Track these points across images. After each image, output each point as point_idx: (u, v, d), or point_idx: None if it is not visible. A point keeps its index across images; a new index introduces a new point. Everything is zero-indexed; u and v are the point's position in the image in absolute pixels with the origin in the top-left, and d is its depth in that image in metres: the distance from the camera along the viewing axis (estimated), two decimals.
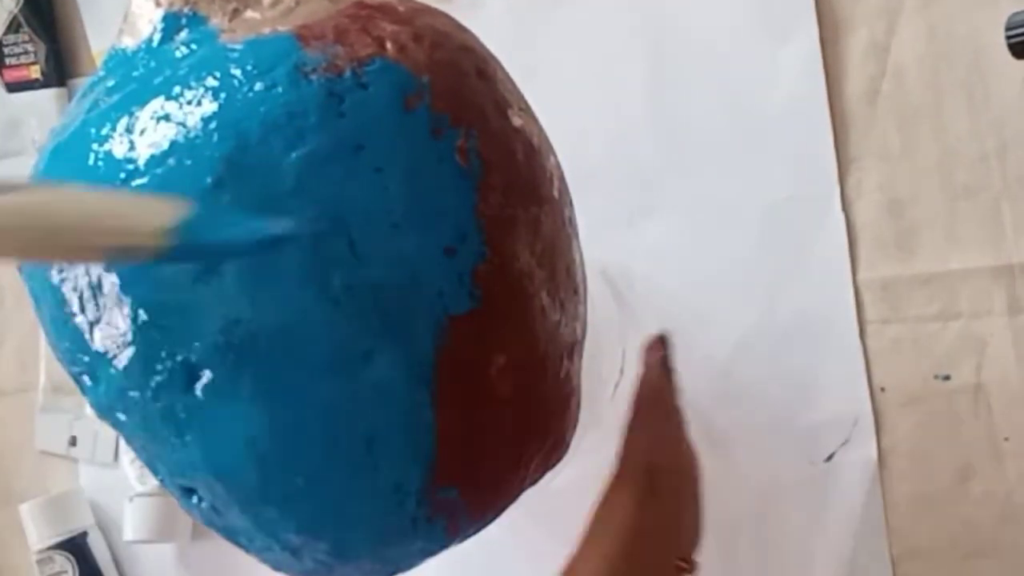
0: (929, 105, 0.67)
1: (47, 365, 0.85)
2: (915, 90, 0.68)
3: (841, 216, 0.69)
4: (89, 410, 0.82)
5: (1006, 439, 0.66)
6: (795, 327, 0.69)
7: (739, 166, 0.70)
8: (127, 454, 0.81)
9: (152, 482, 0.78)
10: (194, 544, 0.81)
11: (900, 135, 0.68)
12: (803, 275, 0.69)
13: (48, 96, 0.86)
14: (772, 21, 0.70)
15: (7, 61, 0.86)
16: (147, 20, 0.47)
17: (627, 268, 0.71)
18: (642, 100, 0.73)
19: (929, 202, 0.67)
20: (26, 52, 0.85)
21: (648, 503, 0.51)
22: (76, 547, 0.81)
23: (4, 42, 0.86)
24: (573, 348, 0.50)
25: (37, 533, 0.82)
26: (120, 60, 0.47)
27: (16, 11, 0.85)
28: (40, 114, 0.86)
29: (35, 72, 0.86)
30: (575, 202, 0.52)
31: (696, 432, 0.61)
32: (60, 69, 0.86)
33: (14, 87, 0.86)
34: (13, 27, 0.85)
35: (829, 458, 0.69)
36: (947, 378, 0.67)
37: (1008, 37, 0.58)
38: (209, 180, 0.40)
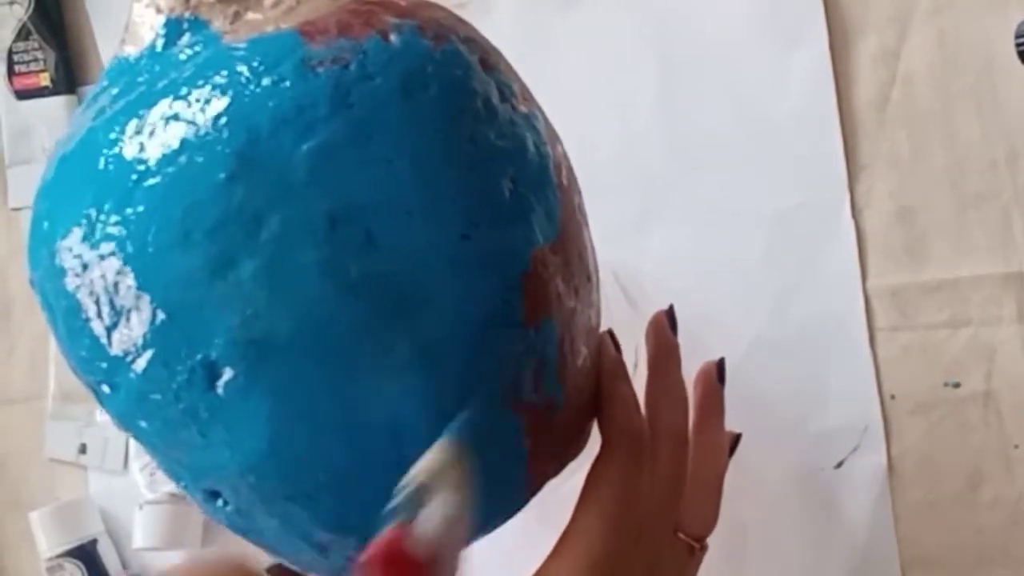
0: (939, 112, 0.67)
1: (57, 372, 0.85)
2: (925, 97, 0.68)
3: (851, 223, 0.69)
4: (99, 417, 0.83)
5: (1016, 446, 0.66)
6: (804, 334, 0.69)
7: (748, 172, 0.70)
8: (137, 461, 0.81)
9: (162, 489, 0.78)
10: (204, 551, 0.81)
11: (910, 142, 0.68)
12: (812, 282, 0.69)
13: (58, 104, 0.86)
14: (781, 27, 0.70)
15: (17, 69, 0.86)
16: (149, 27, 0.47)
17: (637, 272, 0.71)
18: (651, 106, 0.73)
19: (939, 209, 0.67)
20: (35, 59, 0.86)
21: (634, 469, 0.49)
22: (86, 554, 0.81)
23: (14, 49, 0.86)
24: (589, 336, 0.50)
25: (47, 541, 0.82)
26: (123, 68, 0.47)
27: (25, 19, 0.85)
28: (50, 121, 0.86)
29: (45, 79, 0.86)
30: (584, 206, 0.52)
31: None
32: (70, 76, 0.86)
33: (24, 94, 0.86)
34: (23, 34, 0.86)
35: (839, 465, 0.69)
36: (957, 385, 0.67)
37: (1018, 44, 0.58)
38: (222, 175, 0.40)
